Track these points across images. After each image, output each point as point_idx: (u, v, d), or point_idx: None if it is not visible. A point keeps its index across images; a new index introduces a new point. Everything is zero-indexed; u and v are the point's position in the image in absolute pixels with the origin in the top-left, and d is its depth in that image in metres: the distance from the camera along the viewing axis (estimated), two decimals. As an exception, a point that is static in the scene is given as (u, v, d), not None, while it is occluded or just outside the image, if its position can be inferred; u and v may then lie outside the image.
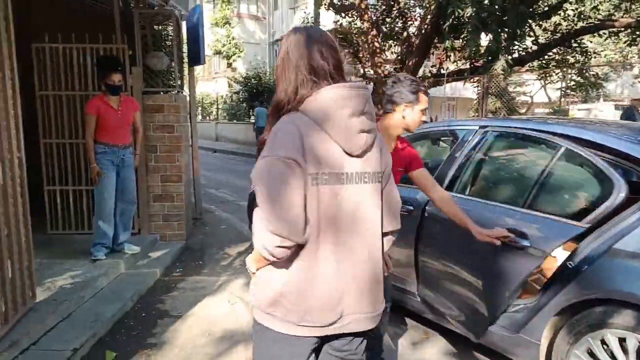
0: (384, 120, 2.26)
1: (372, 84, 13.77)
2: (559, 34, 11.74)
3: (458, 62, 13.22)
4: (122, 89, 4.11)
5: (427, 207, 2.91)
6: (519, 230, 2.31)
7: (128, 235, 4.35)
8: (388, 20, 13.45)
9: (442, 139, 3.76)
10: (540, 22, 11.16)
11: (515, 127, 2.82)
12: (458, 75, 12.23)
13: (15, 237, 2.78)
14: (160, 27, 5.17)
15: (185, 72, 6.02)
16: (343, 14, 13.70)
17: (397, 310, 3.41)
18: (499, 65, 8.88)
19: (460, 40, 11.17)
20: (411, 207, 2.97)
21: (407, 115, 2.20)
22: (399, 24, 13.50)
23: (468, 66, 11.38)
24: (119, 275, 3.98)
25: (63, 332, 2.93)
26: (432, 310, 2.93)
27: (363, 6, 11.66)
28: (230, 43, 25.15)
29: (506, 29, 8.84)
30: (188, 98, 5.59)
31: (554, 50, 12.16)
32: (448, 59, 12.85)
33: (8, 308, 2.68)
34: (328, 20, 16.21)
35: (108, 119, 3.98)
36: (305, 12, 16.67)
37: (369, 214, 1.37)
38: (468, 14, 8.28)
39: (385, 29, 13.30)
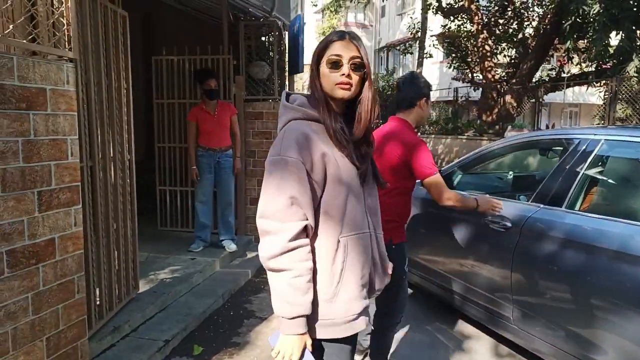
0: (412, 115, 2.39)
1: (480, 89, 13.04)
2: None
3: (582, 64, 11.95)
4: (218, 94, 4.42)
5: (526, 224, 2.61)
6: None
7: (230, 234, 4.60)
8: (501, 21, 12.65)
9: (554, 148, 3.36)
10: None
11: None
12: (581, 79, 11.03)
13: (123, 230, 3.06)
14: (265, 37, 5.39)
15: (287, 80, 6.21)
16: (452, 17, 13.19)
17: (492, 335, 3.13)
18: (632, 67, 7.84)
19: (585, 40, 10.09)
20: (509, 224, 2.68)
21: (426, 109, 2.40)
22: (514, 25, 12.62)
23: (593, 68, 10.22)
24: (214, 273, 4.19)
25: (159, 323, 3.16)
26: (529, 340, 2.61)
27: (473, 8, 11.10)
28: (337, 51, 25.63)
29: (642, 26, 7.77)
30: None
31: None
32: (570, 62, 11.68)
33: (113, 296, 2.95)
34: (436, 24, 15.73)
35: (205, 123, 4.34)
36: (412, 18, 16.36)
37: None
38: (595, 11, 7.43)
39: (497, 31, 12.51)
